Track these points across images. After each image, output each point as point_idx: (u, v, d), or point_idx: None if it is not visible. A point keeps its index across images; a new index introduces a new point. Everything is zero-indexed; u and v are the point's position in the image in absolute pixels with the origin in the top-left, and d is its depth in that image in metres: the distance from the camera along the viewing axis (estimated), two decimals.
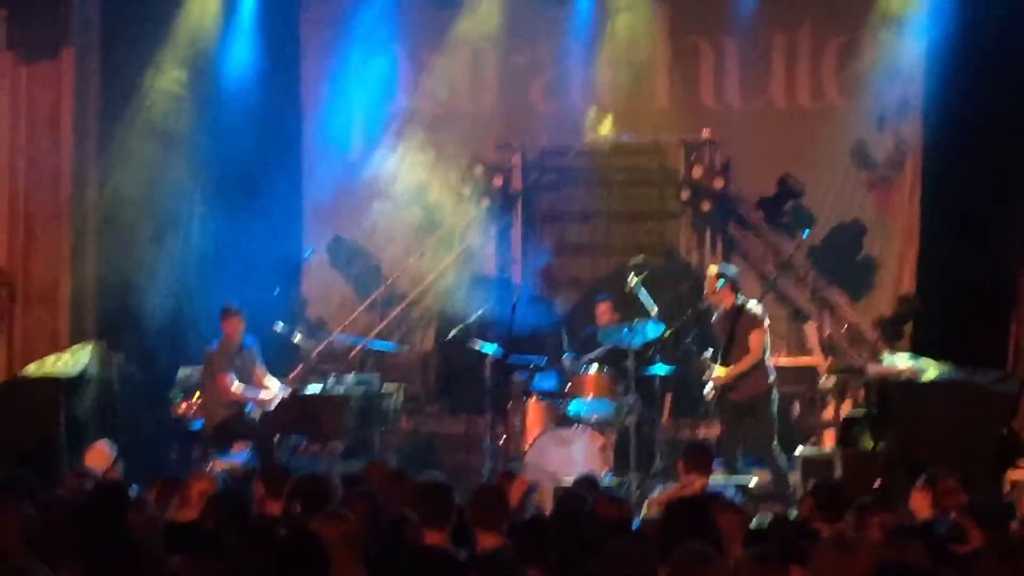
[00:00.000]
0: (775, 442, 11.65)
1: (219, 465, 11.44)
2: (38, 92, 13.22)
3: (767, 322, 11.98)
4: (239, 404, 12.33)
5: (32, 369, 12.47)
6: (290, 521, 7.26)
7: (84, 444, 11.52)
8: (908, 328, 14.13)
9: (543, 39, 15.09)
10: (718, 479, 10.35)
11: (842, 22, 14.70)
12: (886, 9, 13.99)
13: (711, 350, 12.16)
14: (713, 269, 12.23)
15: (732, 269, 12.32)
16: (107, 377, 12.57)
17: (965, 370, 11.75)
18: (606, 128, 14.70)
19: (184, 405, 12.80)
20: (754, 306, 11.95)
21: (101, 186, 13.41)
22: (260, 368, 12.53)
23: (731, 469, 11.55)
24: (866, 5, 14.19)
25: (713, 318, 12.22)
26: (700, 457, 9.52)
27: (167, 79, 13.86)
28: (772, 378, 11.79)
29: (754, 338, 11.66)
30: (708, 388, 11.85)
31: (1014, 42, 13.12)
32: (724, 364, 11.69)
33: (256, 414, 12.32)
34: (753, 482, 11.14)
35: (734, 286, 11.96)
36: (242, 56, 14.66)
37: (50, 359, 12.53)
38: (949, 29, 13.63)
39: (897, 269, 14.62)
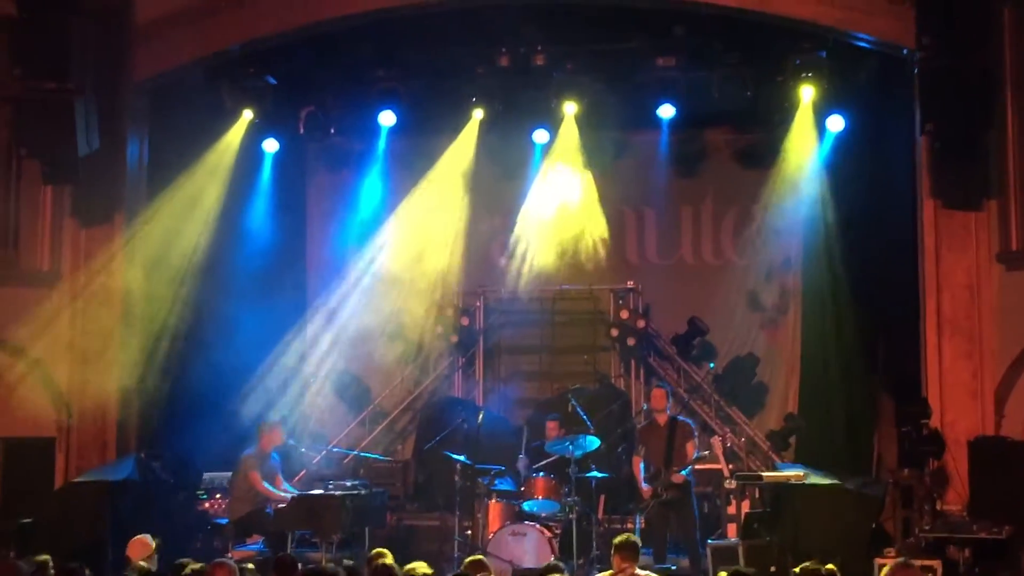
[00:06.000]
0: (697, 533, 11.67)
1: (236, 555, 11.26)
2: (95, 249, 13.20)
3: (696, 435, 12.11)
4: (260, 501, 12.13)
5: (86, 475, 12.35)
6: None
7: (127, 538, 11.34)
8: (793, 440, 14.31)
9: (500, 209, 15.30)
10: (646, 567, 10.26)
11: (737, 196, 15.04)
12: (773, 187, 14.29)
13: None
14: (663, 389, 12.27)
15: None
16: (146, 482, 12.39)
17: (840, 476, 11.83)
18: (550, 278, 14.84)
19: (208, 503, 12.69)
20: (688, 421, 12.02)
21: (146, 324, 13.27)
22: (280, 476, 12.47)
23: (659, 557, 11.55)
24: (757, 183, 14.44)
25: (640, 426, 12.23)
26: (630, 549, 9.47)
27: (197, 238, 13.84)
28: (692, 481, 11.86)
29: (690, 447, 11.76)
30: (646, 487, 11.76)
31: (875, 208, 13.47)
32: (666, 467, 11.66)
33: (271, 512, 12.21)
34: (674, 568, 11.17)
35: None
36: (258, 218, 14.70)
37: (101, 467, 12.48)
38: (822, 202, 13.99)
39: (784, 392, 14.84)
